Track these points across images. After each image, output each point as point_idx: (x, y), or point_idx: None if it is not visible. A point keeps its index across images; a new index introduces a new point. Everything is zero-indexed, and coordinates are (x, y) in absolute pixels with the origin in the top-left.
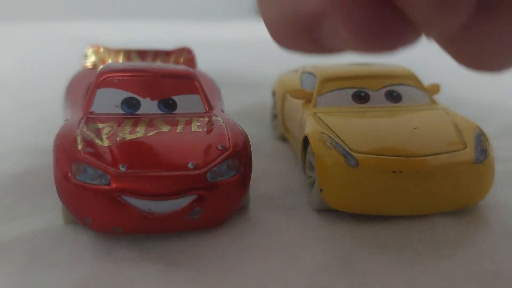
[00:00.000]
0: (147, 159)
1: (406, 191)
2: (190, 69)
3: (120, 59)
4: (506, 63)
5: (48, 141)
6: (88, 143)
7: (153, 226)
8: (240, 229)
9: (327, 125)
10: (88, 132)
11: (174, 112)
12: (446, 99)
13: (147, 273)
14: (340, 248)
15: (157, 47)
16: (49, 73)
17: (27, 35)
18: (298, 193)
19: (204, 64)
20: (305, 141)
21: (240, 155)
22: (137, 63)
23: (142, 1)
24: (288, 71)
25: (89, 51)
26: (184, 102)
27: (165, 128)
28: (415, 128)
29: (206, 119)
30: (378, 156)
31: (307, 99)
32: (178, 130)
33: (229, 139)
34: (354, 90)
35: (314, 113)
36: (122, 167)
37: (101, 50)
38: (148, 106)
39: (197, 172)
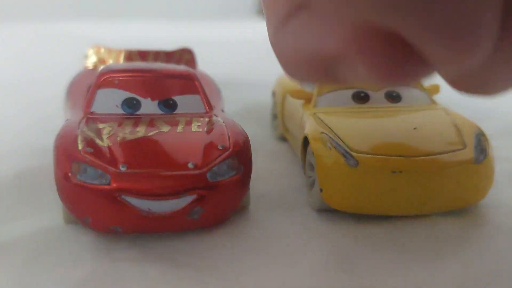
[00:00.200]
0: (147, 159)
1: (406, 191)
2: (191, 70)
3: (121, 60)
4: (504, 90)
5: (48, 141)
6: (89, 143)
7: (153, 225)
8: (240, 229)
9: (327, 125)
10: (88, 132)
11: (174, 112)
12: (446, 99)
13: (147, 272)
14: (340, 247)
15: (158, 48)
16: (50, 73)
17: (28, 36)
18: (298, 193)
19: (205, 64)
20: (305, 141)
21: (240, 155)
22: (138, 64)
23: (143, 2)
24: None
25: (90, 51)
26: (185, 102)
27: (165, 128)
28: (415, 128)
29: (206, 119)
30: (378, 156)
31: (307, 99)
32: (178, 130)
33: (229, 139)
34: (354, 90)
35: (314, 113)
36: (122, 167)
37: (102, 50)
38: (149, 106)
39: (197, 172)
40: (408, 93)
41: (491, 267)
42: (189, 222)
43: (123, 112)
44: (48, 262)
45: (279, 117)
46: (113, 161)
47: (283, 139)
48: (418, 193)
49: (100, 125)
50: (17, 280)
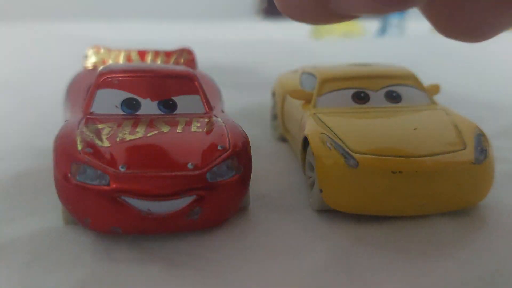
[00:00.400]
0: (146, 159)
1: (406, 191)
2: (190, 70)
3: (121, 60)
4: (488, 31)
5: (48, 141)
6: (88, 143)
7: (153, 226)
8: (240, 229)
9: (326, 126)
10: (88, 133)
11: (174, 112)
12: (446, 99)
13: (147, 273)
14: (340, 248)
15: (158, 48)
16: (49, 74)
17: (28, 36)
18: (298, 194)
19: (205, 64)
20: (305, 142)
21: (240, 155)
22: (137, 64)
23: (143, 2)
24: (288, 72)
25: (90, 52)
26: (184, 103)
27: (165, 129)
28: (415, 129)
29: (206, 120)
30: (378, 157)
31: (307, 100)
32: (178, 131)
33: (229, 139)
34: (354, 90)
35: (314, 113)
36: (121, 167)
37: (102, 50)
38: (148, 106)
39: (196, 172)
40: (408, 93)
41: (491, 268)
42: (188, 222)
43: (123, 113)
44: (48, 263)
45: (279, 117)
46: (112, 162)
47: (283, 139)
48: (418, 193)
49: (100, 126)
50: (17, 280)
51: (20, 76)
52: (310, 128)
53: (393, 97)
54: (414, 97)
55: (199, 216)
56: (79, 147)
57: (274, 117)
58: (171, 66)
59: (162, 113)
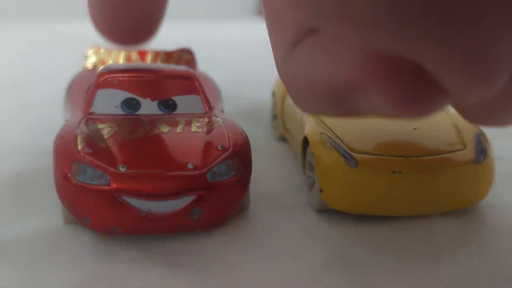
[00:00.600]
0: (146, 159)
1: (406, 191)
2: (190, 70)
3: (121, 60)
4: None
5: (47, 141)
6: (88, 143)
7: (153, 226)
8: (240, 229)
9: (326, 126)
10: (88, 133)
11: (174, 112)
12: None
13: (147, 273)
14: (340, 248)
15: (158, 48)
16: (49, 74)
17: (27, 36)
18: (298, 194)
19: (204, 64)
20: (305, 142)
21: (240, 155)
22: (137, 64)
23: None
24: None
25: (90, 52)
26: (184, 103)
27: (165, 129)
28: (414, 129)
29: (206, 120)
30: (378, 156)
31: None
32: (178, 131)
33: (229, 139)
34: None
35: None
36: (121, 167)
37: (102, 51)
38: (148, 106)
39: (196, 172)
40: None
41: (491, 268)
42: (189, 222)
43: (123, 113)
44: (48, 263)
45: (279, 117)
46: (112, 162)
47: (283, 139)
48: (418, 193)
49: (100, 126)
50: (16, 280)
51: (19, 76)
52: (310, 128)
53: None
54: None
55: (199, 216)
56: (79, 147)
57: (274, 117)
58: (171, 66)
59: (162, 113)
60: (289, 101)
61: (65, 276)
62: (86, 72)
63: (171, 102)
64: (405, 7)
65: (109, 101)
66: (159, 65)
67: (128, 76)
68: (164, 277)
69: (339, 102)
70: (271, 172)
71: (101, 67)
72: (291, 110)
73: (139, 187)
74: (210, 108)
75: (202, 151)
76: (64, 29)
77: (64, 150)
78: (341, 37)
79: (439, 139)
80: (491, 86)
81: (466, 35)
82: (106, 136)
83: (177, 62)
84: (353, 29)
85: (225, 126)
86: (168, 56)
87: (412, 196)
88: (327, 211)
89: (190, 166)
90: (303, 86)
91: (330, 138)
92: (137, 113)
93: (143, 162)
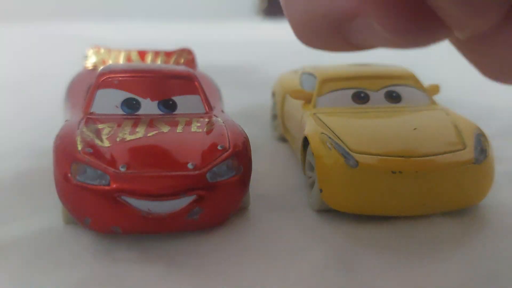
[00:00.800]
0: (147, 159)
1: (406, 191)
2: (190, 70)
3: (121, 60)
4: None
5: (48, 141)
6: (88, 143)
7: (153, 226)
8: (240, 229)
9: (326, 126)
10: (88, 133)
11: (174, 112)
12: (446, 99)
13: (147, 273)
14: (339, 248)
15: (158, 48)
16: (50, 74)
17: (28, 36)
18: (298, 194)
19: (205, 64)
20: (305, 142)
21: (239, 155)
22: (138, 64)
23: (143, 2)
24: (288, 72)
25: (90, 52)
26: (184, 103)
27: (165, 129)
28: (414, 129)
29: (206, 120)
30: (378, 157)
31: (307, 100)
32: (178, 131)
33: (228, 139)
34: (354, 90)
35: (314, 113)
36: (122, 167)
37: (102, 51)
38: (148, 106)
39: (196, 172)
40: (408, 93)
41: (491, 268)
42: (188, 222)
43: (123, 113)
44: (48, 263)
45: (279, 117)
46: (112, 162)
47: (283, 139)
48: (418, 193)
49: (100, 126)
50: (17, 280)
51: (20, 77)
52: (310, 128)
53: (393, 97)
54: (414, 97)
55: (199, 216)
56: (79, 147)
57: (274, 117)
58: (171, 66)
59: (162, 113)
60: (289, 101)
61: (65, 275)
62: (86, 72)
63: (171, 102)
64: None
65: (109, 101)
66: (159, 65)
67: (128, 76)
68: (164, 276)
69: (339, 32)
70: (271, 172)
71: (101, 67)
72: (291, 110)
73: (139, 187)
74: (210, 108)
75: (202, 151)
76: (64, 29)
77: (64, 150)
78: None
79: (439, 139)
80: (487, 18)
81: None
82: (106, 136)
83: (177, 62)
84: None
85: (225, 126)
86: (168, 56)
87: (412, 196)
88: (327, 211)
89: (190, 166)
90: (304, 18)
91: (330, 138)
92: (137, 113)
93: (143, 162)
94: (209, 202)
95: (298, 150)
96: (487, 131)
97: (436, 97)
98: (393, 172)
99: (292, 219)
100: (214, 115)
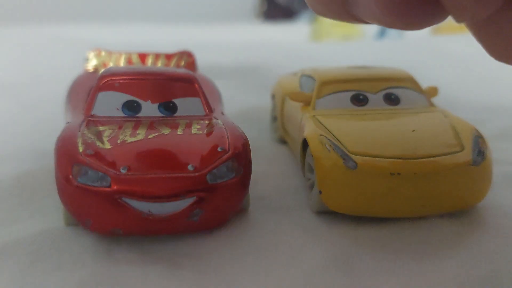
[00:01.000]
0: (147, 161)
1: (404, 193)
2: (191, 72)
3: (121, 63)
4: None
5: (49, 144)
6: (89, 145)
7: (153, 227)
8: (240, 230)
9: (326, 128)
10: (89, 135)
11: (174, 114)
12: (444, 101)
13: (147, 274)
14: (339, 249)
15: (158, 51)
16: (51, 76)
17: (29, 39)
18: (298, 195)
19: (205, 67)
20: (304, 144)
21: (239, 157)
22: (138, 67)
23: (143, 5)
24: (287, 74)
25: (91, 54)
26: (185, 105)
27: (166, 131)
28: (413, 131)
29: (206, 122)
30: (377, 158)
31: (306, 102)
32: (178, 133)
33: (228, 141)
34: (353, 92)
35: (313, 115)
36: (122, 169)
37: (103, 53)
38: (149, 109)
39: (197, 174)
40: (406, 95)
41: (489, 269)
42: (189, 224)
43: (124, 115)
44: (49, 264)
45: (278, 119)
46: (113, 164)
47: (282, 141)
48: (417, 195)
49: (101, 128)
50: (18, 282)
51: (21, 79)
52: (310, 130)
53: (392, 100)
54: (412, 100)
55: (199, 217)
56: (80, 149)
57: (274, 119)
58: (171, 69)
59: (163, 115)
60: (288, 103)
61: (66, 276)
62: (87, 75)
63: (171, 104)
64: None
65: (110, 104)
66: (160, 67)
67: (129, 79)
68: (165, 277)
69: (344, 7)
70: (271, 173)
71: (102, 70)
72: (290, 112)
73: (140, 188)
74: (210, 110)
75: (202, 153)
76: (65, 32)
77: (65, 152)
78: None
79: (437, 141)
80: (484, 6)
81: None
82: (107, 138)
83: (178, 65)
84: None
85: (225, 128)
86: (169, 58)
87: (410, 198)
88: (326, 213)
89: (190, 168)
90: None
91: (329, 140)
92: (138, 115)
93: (143, 164)
94: (209, 203)
95: (298, 152)
96: (484, 133)
97: (435, 100)
98: (392, 174)
99: (291, 221)
100: (214, 117)
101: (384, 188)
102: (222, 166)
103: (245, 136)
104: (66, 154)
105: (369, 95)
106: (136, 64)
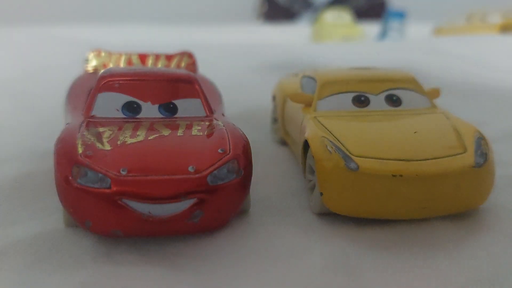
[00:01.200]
0: (147, 162)
1: (406, 195)
2: (191, 73)
3: (121, 63)
4: None
5: (49, 144)
6: (89, 146)
7: (153, 229)
8: (240, 232)
9: (327, 129)
10: (88, 136)
11: (174, 116)
12: (446, 103)
13: (147, 276)
14: (340, 251)
15: (158, 51)
16: (50, 77)
17: (29, 39)
18: (299, 197)
19: (205, 68)
20: (305, 145)
21: (240, 158)
22: (138, 67)
23: (143, 6)
24: (288, 75)
25: (91, 55)
26: (185, 106)
27: (166, 132)
28: (415, 132)
29: (207, 123)
30: (378, 160)
31: (307, 103)
32: (178, 134)
33: (229, 142)
34: (354, 94)
35: (314, 117)
36: (122, 170)
37: (102, 54)
38: (149, 110)
39: (197, 175)
40: (408, 97)
41: (491, 271)
42: (189, 225)
43: (124, 116)
44: (49, 266)
45: (279, 121)
46: (113, 165)
47: (283, 142)
48: (419, 197)
49: (101, 129)
50: (17, 283)
51: (21, 80)
52: (311, 131)
53: (393, 101)
54: (414, 101)
55: (199, 219)
56: (80, 150)
57: (275, 120)
58: (172, 70)
59: (163, 116)
60: (289, 104)
61: (66, 278)
62: (87, 76)
63: (171, 105)
64: None
65: (110, 105)
66: (160, 68)
67: (129, 80)
68: (165, 280)
69: None
70: (272, 175)
71: (102, 71)
72: (291, 113)
73: (140, 190)
74: (211, 111)
75: (203, 155)
76: (65, 32)
77: (65, 153)
78: None
79: (439, 143)
80: None
81: None
82: (107, 140)
83: (178, 66)
84: None
85: (225, 129)
86: (169, 59)
87: (412, 200)
88: (327, 215)
89: (190, 169)
90: None
91: (331, 141)
92: (138, 116)
93: (144, 165)
94: (210, 205)
95: (299, 153)
96: (487, 134)
97: (437, 101)
98: (394, 176)
99: (292, 222)
100: (215, 119)
101: (385, 190)
102: (223, 167)
103: (246, 137)
104: (66, 155)
105: (370, 97)
106: (136, 65)
